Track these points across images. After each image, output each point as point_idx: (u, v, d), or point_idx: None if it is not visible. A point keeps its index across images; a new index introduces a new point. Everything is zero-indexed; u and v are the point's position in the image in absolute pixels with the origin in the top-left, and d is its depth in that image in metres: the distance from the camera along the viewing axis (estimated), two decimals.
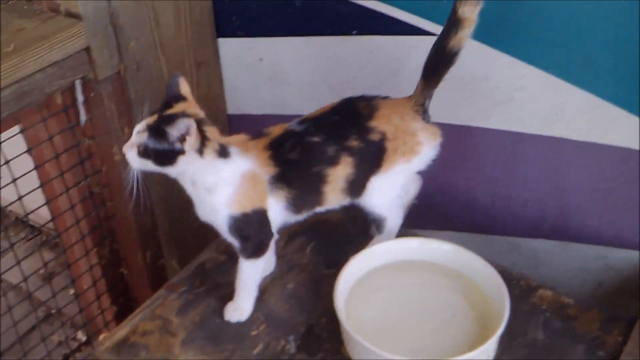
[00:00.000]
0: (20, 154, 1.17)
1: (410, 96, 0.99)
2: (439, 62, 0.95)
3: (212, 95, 1.38)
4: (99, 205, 1.29)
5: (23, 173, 1.16)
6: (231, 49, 1.32)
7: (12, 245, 1.23)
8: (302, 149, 0.95)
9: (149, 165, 0.91)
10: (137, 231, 1.30)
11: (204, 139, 0.90)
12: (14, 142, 1.16)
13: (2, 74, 0.98)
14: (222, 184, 0.93)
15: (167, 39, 1.23)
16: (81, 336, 1.60)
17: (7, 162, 1.13)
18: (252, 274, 1.01)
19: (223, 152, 0.93)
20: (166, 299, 1.06)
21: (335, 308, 0.93)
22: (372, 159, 0.97)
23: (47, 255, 1.72)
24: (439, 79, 0.97)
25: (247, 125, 1.40)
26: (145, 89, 1.22)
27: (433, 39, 1.07)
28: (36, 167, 1.22)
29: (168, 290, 1.08)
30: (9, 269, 1.22)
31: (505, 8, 1.04)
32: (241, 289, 1.02)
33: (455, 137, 1.19)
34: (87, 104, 1.16)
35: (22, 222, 1.92)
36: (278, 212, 0.97)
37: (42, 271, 1.61)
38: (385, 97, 1.00)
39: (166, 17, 1.21)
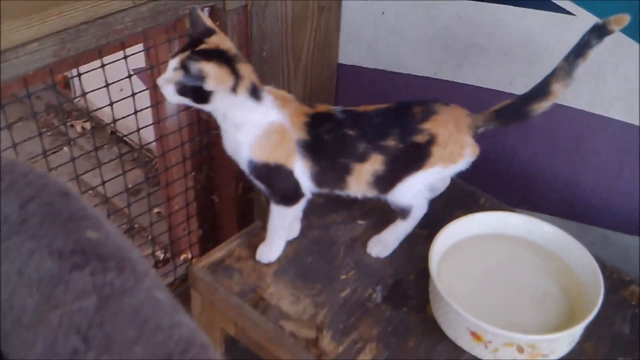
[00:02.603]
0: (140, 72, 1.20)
1: (471, 113, 1.00)
2: (515, 116, 0.99)
3: (327, 41, 1.39)
4: (203, 131, 1.33)
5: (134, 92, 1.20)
6: None
7: (120, 156, 1.29)
8: (336, 136, 0.96)
9: (186, 102, 0.94)
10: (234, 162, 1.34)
11: (237, 77, 0.91)
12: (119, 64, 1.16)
13: None
14: (248, 124, 0.95)
15: None
16: (159, 254, 1.66)
17: (129, 75, 1.18)
18: (279, 220, 1.03)
19: (255, 93, 0.94)
20: (263, 231, 1.10)
21: (429, 268, 0.95)
22: (412, 161, 0.98)
23: (135, 172, 1.79)
24: (505, 124, 1.00)
25: (356, 77, 1.40)
26: (267, 26, 1.24)
27: (569, 19, 1.04)
28: (152, 87, 1.27)
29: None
30: (109, 180, 1.27)
31: None
32: (270, 232, 1.05)
33: (571, 122, 1.18)
34: None
35: (115, 137, 1.99)
36: (304, 179, 0.98)
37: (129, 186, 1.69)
38: (447, 104, 1.00)
39: None
